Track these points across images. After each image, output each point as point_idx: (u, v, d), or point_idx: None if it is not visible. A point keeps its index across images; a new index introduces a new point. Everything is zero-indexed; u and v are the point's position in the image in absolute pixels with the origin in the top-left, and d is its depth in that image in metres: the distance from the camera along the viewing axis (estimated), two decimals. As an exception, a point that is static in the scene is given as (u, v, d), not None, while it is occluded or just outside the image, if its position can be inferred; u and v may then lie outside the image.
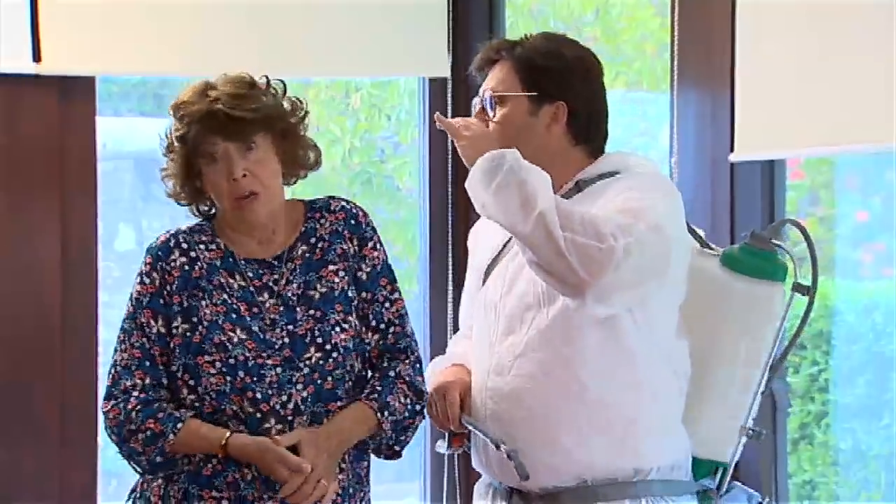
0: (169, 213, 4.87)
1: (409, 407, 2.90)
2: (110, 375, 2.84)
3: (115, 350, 2.85)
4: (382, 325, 2.93)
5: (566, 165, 2.89)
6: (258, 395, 2.79)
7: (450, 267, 4.48)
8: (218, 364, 2.79)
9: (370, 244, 2.95)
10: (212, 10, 4.07)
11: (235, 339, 2.80)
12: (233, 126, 2.81)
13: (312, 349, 2.84)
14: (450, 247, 4.48)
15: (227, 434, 2.77)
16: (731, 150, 3.59)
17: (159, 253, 2.86)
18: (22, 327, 3.99)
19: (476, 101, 2.94)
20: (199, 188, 2.87)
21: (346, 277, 2.91)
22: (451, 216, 4.48)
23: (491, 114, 2.90)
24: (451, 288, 4.46)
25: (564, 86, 2.89)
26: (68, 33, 3.93)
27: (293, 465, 2.74)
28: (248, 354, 2.80)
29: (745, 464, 3.51)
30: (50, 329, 4.01)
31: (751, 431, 2.97)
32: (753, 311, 2.89)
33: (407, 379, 2.92)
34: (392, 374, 2.91)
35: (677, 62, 3.74)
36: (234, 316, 2.82)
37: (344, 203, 2.97)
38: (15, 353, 3.98)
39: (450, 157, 4.46)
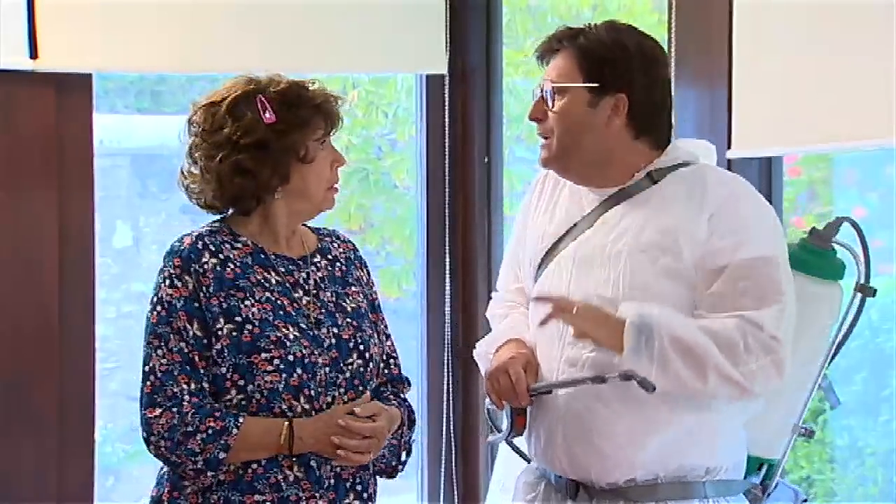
0: (165, 210, 4.89)
1: (407, 431, 2.96)
2: (148, 382, 2.77)
3: (149, 356, 2.78)
4: (384, 356, 2.97)
5: (628, 158, 2.85)
6: (311, 393, 2.79)
7: (447, 264, 4.48)
8: (276, 361, 2.76)
9: (371, 279, 3.01)
10: (209, 7, 4.07)
11: (291, 336, 2.78)
12: (335, 118, 2.86)
13: (355, 355, 2.85)
14: (447, 244, 4.47)
15: (286, 421, 2.76)
16: (729, 146, 3.59)
17: (191, 256, 2.79)
18: (19, 324, 3.98)
19: (536, 90, 2.90)
20: (271, 182, 2.82)
21: (365, 302, 2.94)
22: (449, 213, 4.48)
23: (550, 104, 2.85)
24: (448, 285, 4.46)
25: (625, 77, 2.83)
26: (65, 30, 3.92)
27: (370, 409, 2.80)
28: (304, 351, 2.78)
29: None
30: (47, 325, 4.00)
31: (803, 429, 2.95)
32: (812, 309, 2.86)
33: (410, 407, 2.98)
34: (402, 396, 2.98)
35: (675, 58, 3.73)
36: (281, 313, 2.80)
37: (346, 236, 3.03)
38: (12, 350, 3.98)
39: (447, 154, 4.47)
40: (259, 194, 2.83)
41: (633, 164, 2.85)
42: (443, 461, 4.41)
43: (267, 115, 2.79)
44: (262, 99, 2.80)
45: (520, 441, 2.96)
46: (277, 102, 2.80)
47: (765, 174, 3.64)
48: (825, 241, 2.93)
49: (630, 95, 2.83)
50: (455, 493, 4.40)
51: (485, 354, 2.97)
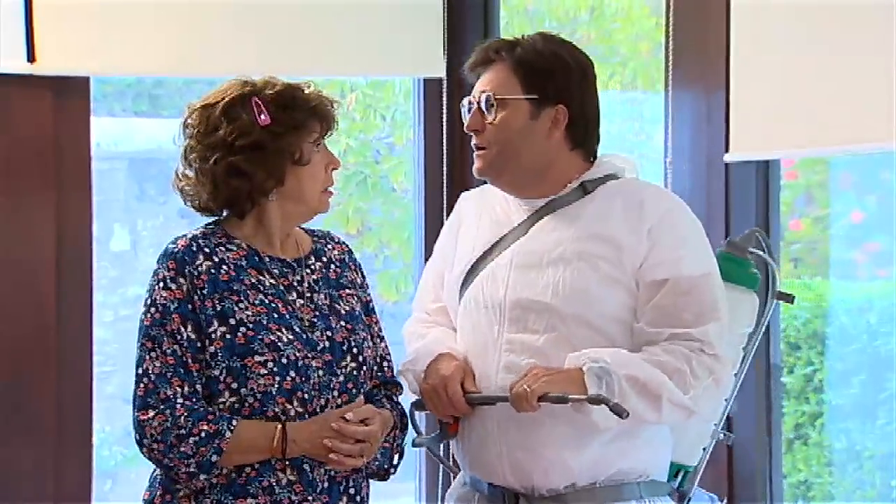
0: (163, 214, 4.89)
1: (399, 434, 2.96)
2: (141, 385, 2.76)
3: (142, 359, 2.77)
4: (378, 359, 2.96)
5: (564, 168, 2.90)
6: (305, 397, 2.78)
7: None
8: (270, 364, 2.75)
9: (366, 281, 3.01)
10: (207, 10, 4.07)
11: (285, 339, 2.77)
12: (331, 120, 2.86)
13: (349, 358, 2.84)
14: (445, 247, 4.47)
15: (279, 424, 2.76)
16: (726, 150, 3.59)
17: (185, 258, 2.79)
18: (17, 327, 3.98)
19: (467, 101, 2.91)
20: (266, 184, 2.82)
21: (359, 304, 2.94)
22: (446, 217, 4.47)
23: (489, 116, 2.87)
24: (446, 288, 4.46)
25: (565, 89, 2.87)
26: (63, 33, 3.92)
27: (363, 413, 2.80)
28: (297, 354, 2.77)
29: (740, 464, 3.52)
30: (45, 329, 4.00)
31: (722, 435, 3.01)
32: (733, 317, 2.90)
33: (402, 410, 2.97)
34: (395, 399, 2.98)
35: (672, 62, 3.74)
36: (275, 315, 2.79)
37: (340, 238, 3.03)
38: (10, 353, 3.97)
39: (444, 157, 4.46)
40: (253, 196, 2.83)
41: (566, 175, 2.90)
42: (440, 463, 4.40)
43: (262, 117, 2.79)
44: (258, 101, 2.79)
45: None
46: (273, 104, 2.80)
47: (762, 177, 3.64)
48: (742, 251, 3.01)
49: (569, 107, 2.87)
50: (453, 496, 4.40)
51: (414, 372, 2.95)
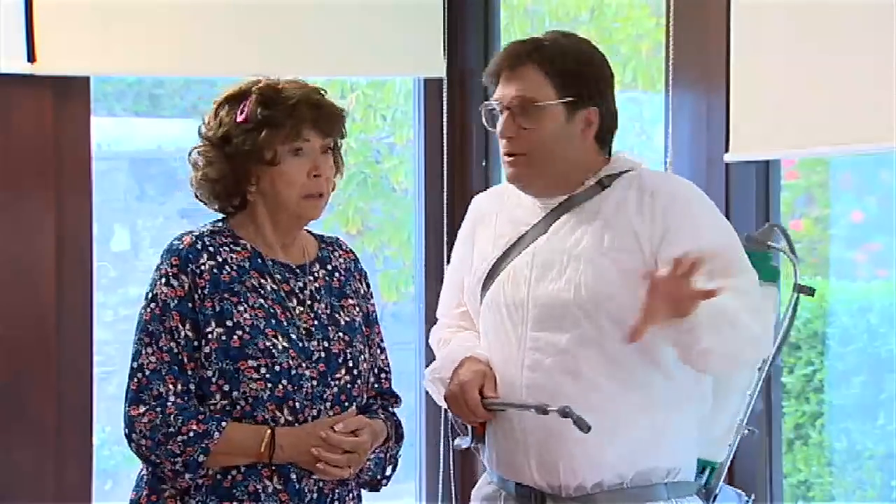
0: (163, 214, 4.89)
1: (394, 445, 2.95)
2: (135, 380, 2.76)
3: (138, 353, 2.77)
4: (376, 370, 2.96)
5: (590, 167, 2.89)
6: (296, 405, 2.77)
7: (445, 268, 4.47)
8: (263, 370, 2.74)
9: (370, 290, 3.00)
10: (207, 10, 4.07)
11: (280, 346, 2.76)
12: (325, 122, 2.82)
13: (343, 370, 2.83)
14: (445, 248, 4.47)
15: (268, 429, 2.75)
16: (726, 150, 3.59)
17: (189, 256, 2.78)
18: (17, 327, 3.98)
19: (496, 105, 2.86)
20: (239, 182, 2.82)
21: (360, 314, 2.93)
22: (447, 216, 4.48)
23: (524, 122, 2.83)
24: (446, 288, 4.46)
25: (597, 91, 2.86)
26: (63, 33, 3.92)
27: (353, 424, 2.79)
28: (291, 362, 2.76)
29: (740, 463, 3.52)
30: (45, 329, 4.00)
31: (746, 431, 3.00)
32: None
33: (398, 422, 2.97)
34: (391, 410, 2.97)
35: (672, 62, 3.74)
36: (273, 321, 2.78)
37: (348, 245, 3.01)
38: (10, 353, 3.98)
39: (444, 157, 4.47)
40: (224, 191, 2.83)
41: (586, 173, 2.89)
42: (441, 464, 4.41)
43: (241, 114, 2.79)
44: (249, 98, 2.80)
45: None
46: (255, 102, 2.79)
47: (762, 178, 3.64)
48: (761, 245, 3.02)
49: (600, 109, 2.86)
50: (452, 495, 4.40)
51: (441, 379, 2.95)
